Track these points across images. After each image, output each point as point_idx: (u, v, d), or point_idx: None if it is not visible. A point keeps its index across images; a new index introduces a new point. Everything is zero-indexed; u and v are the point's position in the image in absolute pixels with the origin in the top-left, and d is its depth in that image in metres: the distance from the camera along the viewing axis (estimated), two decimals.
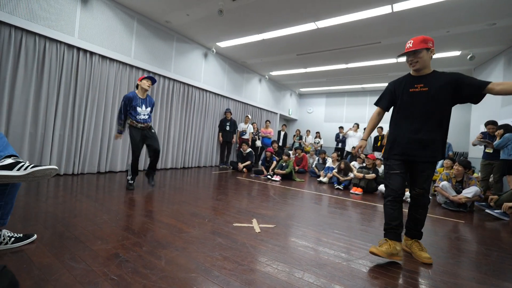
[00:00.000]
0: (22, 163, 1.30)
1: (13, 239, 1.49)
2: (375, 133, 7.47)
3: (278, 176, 5.30)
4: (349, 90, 9.81)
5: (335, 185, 4.80)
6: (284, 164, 5.51)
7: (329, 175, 5.26)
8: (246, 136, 7.12)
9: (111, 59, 4.39)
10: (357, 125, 7.56)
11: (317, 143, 9.16)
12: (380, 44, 5.26)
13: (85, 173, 4.15)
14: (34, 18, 3.45)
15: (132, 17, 4.64)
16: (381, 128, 7.32)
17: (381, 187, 4.27)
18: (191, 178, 4.74)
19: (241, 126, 7.21)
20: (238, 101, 7.70)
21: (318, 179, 5.42)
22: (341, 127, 8.31)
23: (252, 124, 7.43)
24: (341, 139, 8.23)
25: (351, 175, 4.84)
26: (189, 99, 6.04)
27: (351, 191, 4.44)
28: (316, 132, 9.44)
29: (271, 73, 8.31)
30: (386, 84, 8.35)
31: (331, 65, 6.93)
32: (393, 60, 6.19)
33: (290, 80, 9.07)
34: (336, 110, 10.37)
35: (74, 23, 3.86)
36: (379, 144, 7.07)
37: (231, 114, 6.90)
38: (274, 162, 5.86)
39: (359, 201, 3.77)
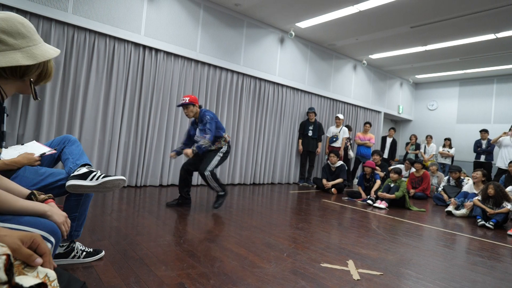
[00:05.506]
0: (95, 173, 1.62)
1: (84, 253, 1.87)
2: None
3: (384, 201, 4.93)
4: (500, 73, 8.64)
5: (479, 220, 4.19)
6: (392, 185, 5.11)
7: (468, 204, 4.59)
8: (337, 144, 6.94)
9: (175, 55, 5.08)
10: None
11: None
12: None
13: (148, 186, 4.86)
14: (105, 19, 4.34)
15: (198, 4, 5.26)
16: None
17: None
18: (263, 198, 4.90)
19: (331, 131, 7.10)
20: (325, 97, 7.64)
21: (448, 210, 4.82)
22: (484, 131, 7.44)
23: (349, 131, 7.23)
24: (485, 149, 7.33)
25: (507, 206, 4.19)
26: (262, 96, 6.34)
27: (509, 232, 3.77)
28: (445, 139, 8.41)
29: (370, 56, 8.00)
30: None
31: (469, 37, 6.21)
32: None
33: (400, 64, 8.54)
34: (476, 105, 9.27)
35: (141, 19, 4.66)
36: None
37: (315, 115, 6.87)
38: (378, 182, 5.51)
39: None
